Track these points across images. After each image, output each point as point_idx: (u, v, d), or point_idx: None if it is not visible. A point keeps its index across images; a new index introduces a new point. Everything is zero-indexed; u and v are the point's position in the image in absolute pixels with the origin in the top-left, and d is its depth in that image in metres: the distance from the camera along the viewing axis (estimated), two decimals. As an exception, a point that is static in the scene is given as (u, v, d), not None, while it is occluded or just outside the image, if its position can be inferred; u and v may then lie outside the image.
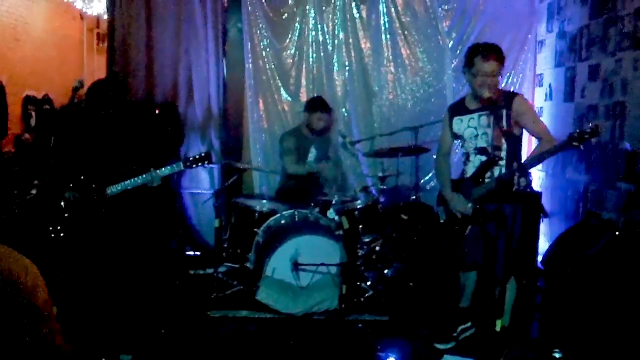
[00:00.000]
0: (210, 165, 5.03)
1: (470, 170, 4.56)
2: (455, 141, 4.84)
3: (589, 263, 4.51)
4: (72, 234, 4.63)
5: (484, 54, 4.31)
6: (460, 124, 4.59)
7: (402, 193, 6.78)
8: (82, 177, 4.65)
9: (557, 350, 4.27)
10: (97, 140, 4.78)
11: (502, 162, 4.36)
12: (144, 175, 4.69)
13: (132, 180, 4.68)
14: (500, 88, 4.50)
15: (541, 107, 6.92)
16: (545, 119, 6.72)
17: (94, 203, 4.65)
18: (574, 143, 3.85)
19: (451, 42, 7.19)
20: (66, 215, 4.61)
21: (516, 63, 7.09)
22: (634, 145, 4.98)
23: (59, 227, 4.60)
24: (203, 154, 4.89)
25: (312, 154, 6.50)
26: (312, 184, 6.37)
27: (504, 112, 4.34)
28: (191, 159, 4.85)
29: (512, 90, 6.84)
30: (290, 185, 6.44)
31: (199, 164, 4.86)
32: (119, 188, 4.67)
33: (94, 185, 4.63)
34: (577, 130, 3.85)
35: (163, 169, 4.71)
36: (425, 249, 6.01)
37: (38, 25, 10.92)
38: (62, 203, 4.63)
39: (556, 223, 6.32)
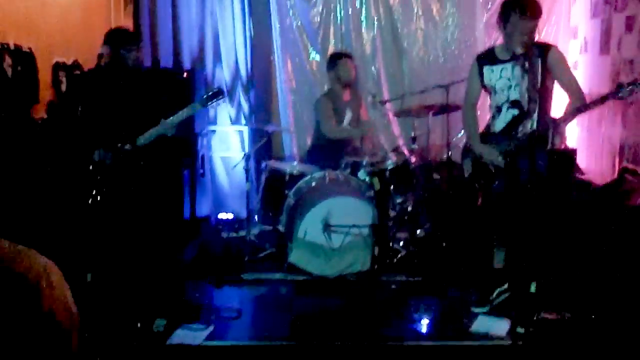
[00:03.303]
0: (222, 100, 4.88)
1: (499, 124, 4.39)
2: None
3: (625, 219, 4.42)
4: (107, 195, 4.60)
5: (522, 9, 4.08)
6: (492, 74, 4.40)
7: (434, 152, 6.69)
8: (109, 138, 4.62)
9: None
10: (122, 104, 4.72)
11: (535, 116, 4.22)
12: (157, 127, 4.63)
13: (151, 130, 4.62)
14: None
15: (576, 61, 6.74)
16: (580, 72, 6.56)
17: (122, 161, 4.62)
18: (620, 95, 3.73)
19: (483, -4, 7.01)
20: (98, 177, 4.60)
21: (550, 14, 6.86)
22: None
23: (94, 192, 4.59)
24: (215, 90, 4.78)
25: (348, 116, 6.41)
26: (344, 145, 6.31)
27: (539, 63, 4.19)
28: (205, 97, 4.74)
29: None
30: (321, 147, 6.38)
31: (214, 99, 4.74)
32: (142, 141, 4.62)
33: (120, 145, 4.61)
34: (625, 83, 3.73)
35: (178, 113, 4.65)
36: (458, 208, 5.94)
37: (65, -12, 10.87)
38: (91, 167, 4.61)
39: (591, 179, 6.19)
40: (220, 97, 4.78)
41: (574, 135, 6.65)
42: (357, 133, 6.35)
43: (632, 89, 3.70)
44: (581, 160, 6.31)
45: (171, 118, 4.64)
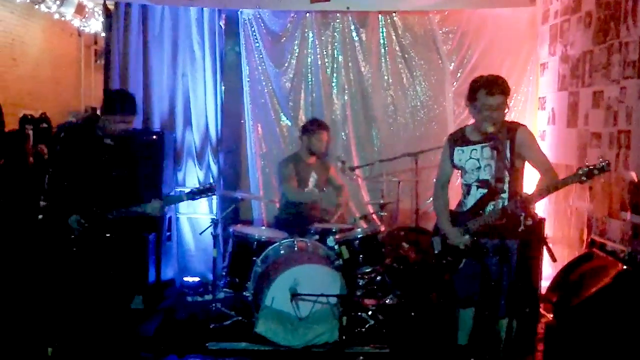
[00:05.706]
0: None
1: (470, 202, 4.40)
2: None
3: (596, 300, 4.42)
4: (79, 256, 4.51)
5: (489, 88, 4.12)
6: (462, 154, 4.42)
7: (403, 218, 6.69)
8: (84, 201, 4.52)
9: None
10: (95, 167, 4.65)
11: (505, 195, 4.24)
12: (146, 205, 4.56)
13: (134, 208, 4.56)
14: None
15: (544, 131, 6.83)
16: (547, 143, 6.63)
17: (96, 226, 4.52)
18: (583, 178, 3.76)
19: (452, 65, 7.11)
20: (73, 237, 4.48)
21: (518, 85, 6.96)
22: (639, 176, 4.89)
23: (70, 247, 4.50)
24: (207, 186, 4.76)
25: (313, 179, 6.42)
26: (312, 211, 6.29)
27: (507, 143, 4.22)
28: (195, 190, 4.73)
29: (514, 113, 6.77)
30: (289, 212, 6.35)
31: (202, 195, 4.73)
32: (118, 214, 4.54)
33: (95, 209, 4.51)
34: (587, 166, 3.76)
35: (166, 199, 4.60)
36: (425, 279, 5.91)
37: (35, 44, 10.88)
38: (69, 226, 4.49)
39: (559, 249, 6.21)
40: (209, 193, 4.75)
41: (542, 204, 6.68)
42: (316, 196, 6.36)
43: (594, 173, 3.74)
44: (549, 230, 6.34)
45: (147, 207, 4.57)
